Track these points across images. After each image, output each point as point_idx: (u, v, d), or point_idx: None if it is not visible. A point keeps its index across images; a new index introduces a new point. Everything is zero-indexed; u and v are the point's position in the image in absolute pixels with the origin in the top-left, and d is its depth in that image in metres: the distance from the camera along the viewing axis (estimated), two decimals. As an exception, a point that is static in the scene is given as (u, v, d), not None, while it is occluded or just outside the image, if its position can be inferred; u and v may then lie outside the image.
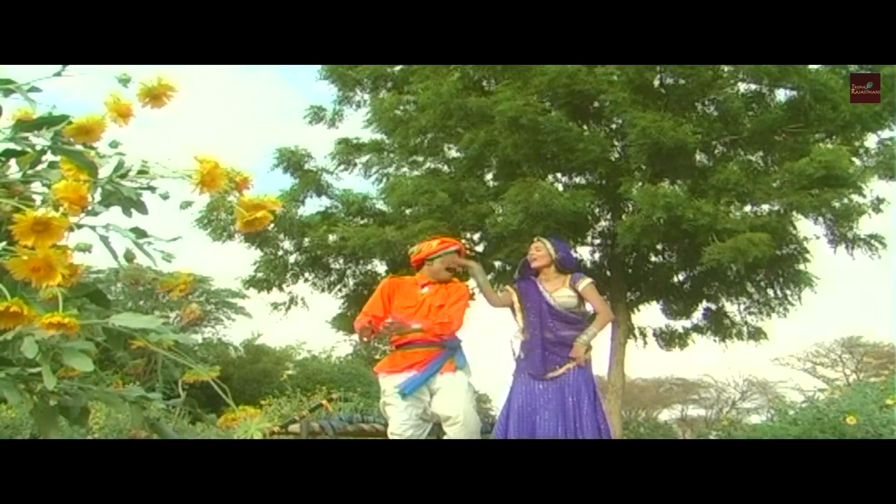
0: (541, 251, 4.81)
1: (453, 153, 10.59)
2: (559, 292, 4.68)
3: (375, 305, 4.47)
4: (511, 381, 4.70)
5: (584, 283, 4.73)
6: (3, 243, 1.07)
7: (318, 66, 11.00)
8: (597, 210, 10.26)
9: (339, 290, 11.19)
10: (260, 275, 10.70)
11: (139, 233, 1.23)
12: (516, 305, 4.78)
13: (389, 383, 4.24)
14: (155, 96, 1.21)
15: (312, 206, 10.93)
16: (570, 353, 4.52)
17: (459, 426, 4.04)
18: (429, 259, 4.54)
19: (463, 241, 4.69)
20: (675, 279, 10.81)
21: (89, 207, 1.16)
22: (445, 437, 4.14)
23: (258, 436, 1.22)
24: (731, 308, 11.14)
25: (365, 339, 4.54)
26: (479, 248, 10.20)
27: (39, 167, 1.22)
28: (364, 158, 11.13)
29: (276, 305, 11.23)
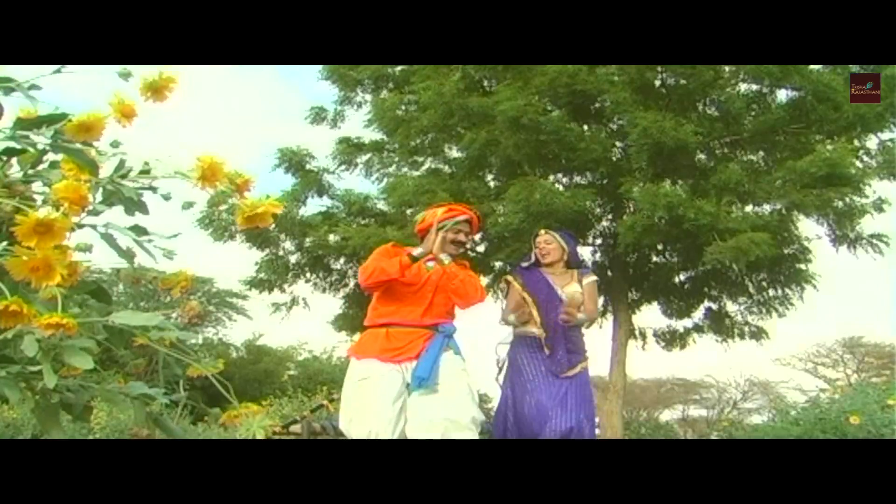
0: (552, 244, 4.52)
1: (454, 153, 10.61)
2: (570, 288, 4.41)
3: (392, 267, 3.65)
4: (514, 382, 4.31)
5: (591, 278, 4.51)
6: (4, 243, 1.08)
7: (319, 67, 11.03)
8: (598, 210, 10.27)
9: (340, 290, 11.20)
10: (261, 275, 10.71)
11: (139, 231, 1.23)
12: (528, 300, 4.40)
13: (371, 370, 3.52)
14: (157, 90, 1.22)
15: (314, 206, 10.95)
16: (582, 350, 4.36)
17: (466, 424, 3.34)
18: (433, 228, 3.80)
19: (474, 210, 4.07)
20: (677, 279, 10.82)
21: (90, 207, 1.16)
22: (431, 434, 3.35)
23: (261, 434, 1.22)
24: (732, 308, 11.15)
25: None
26: (481, 249, 10.20)
27: (40, 167, 1.22)
28: (365, 158, 11.15)
29: (277, 306, 11.24)
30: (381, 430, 3.33)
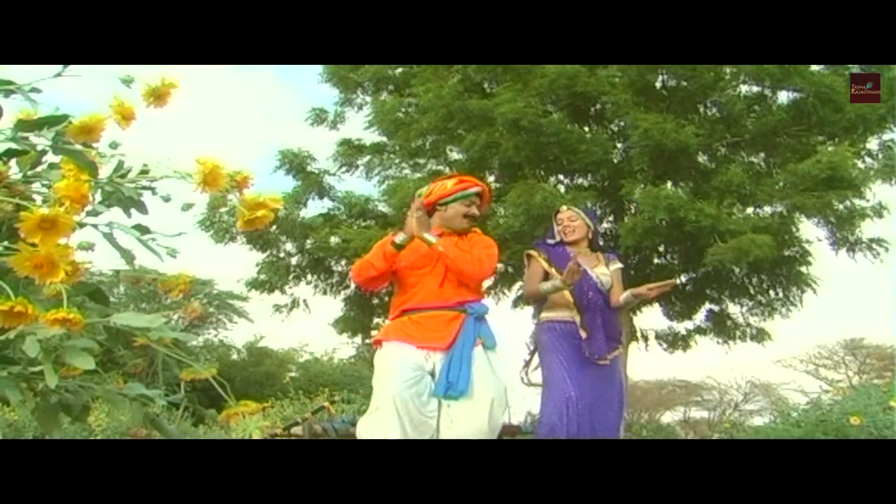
0: (576, 221, 4.07)
1: (455, 155, 10.61)
2: (599, 269, 4.00)
3: (377, 259, 3.33)
4: (553, 369, 3.87)
5: (618, 265, 4.11)
6: (5, 242, 1.08)
7: (320, 69, 11.06)
8: (599, 212, 10.27)
9: (341, 292, 11.21)
10: (262, 276, 10.73)
11: (142, 230, 1.24)
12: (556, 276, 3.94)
13: (388, 351, 3.22)
14: (159, 96, 1.22)
15: (314, 208, 10.98)
16: (617, 335, 4.00)
17: (485, 419, 3.02)
18: (441, 203, 3.46)
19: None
20: (678, 281, 10.81)
21: (90, 207, 1.16)
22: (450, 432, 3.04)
23: (257, 434, 1.22)
24: (733, 310, 11.15)
25: (378, 272, 3.29)
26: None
27: (40, 168, 1.23)
28: (366, 160, 11.16)
29: (277, 307, 11.27)
30: (388, 408, 2.98)
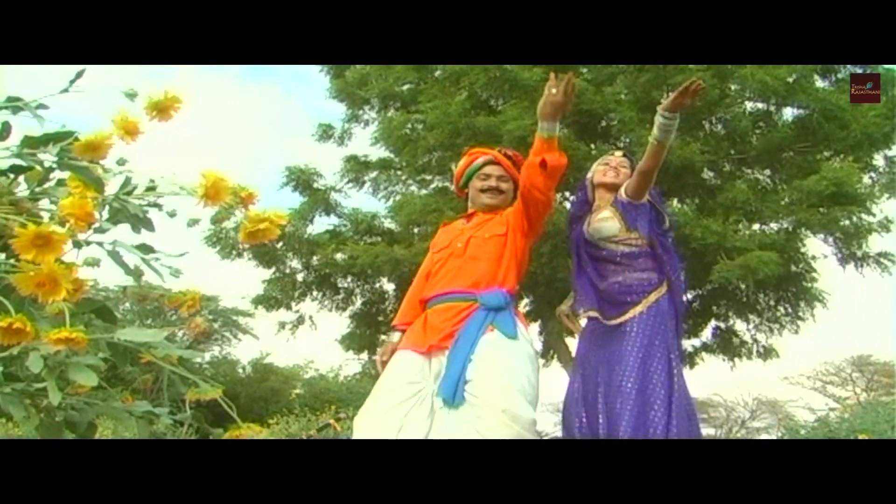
0: (625, 169, 3.46)
1: (461, 172, 10.58)
2: (598, 216, 3.37)
3: (426, 267, 3.10)
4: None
5: (624, 184, 3.36)
6: (11, 260, 1.08)
7: (328, 86, 11.10)
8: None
9: (347, 308, 11.20)
10: (268, 293, 10.72)
11: (146, 249, 1.24)
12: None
13: (391, 363, 2.84)
14: (161, 109, 1.22)
15: (321, 224, 10.97)
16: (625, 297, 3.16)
17: (500, 417, 2.49)
18: (461, 186, 3.20)
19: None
20: (684, 298, 10.76)
21: (97, 224, 1.17)
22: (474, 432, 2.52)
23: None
24: (740, 326, 11.08)
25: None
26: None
27: (47, 185, 1.23)
28: (372, 176, 11.17)
29: (283, 324, 11.25)
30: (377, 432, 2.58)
